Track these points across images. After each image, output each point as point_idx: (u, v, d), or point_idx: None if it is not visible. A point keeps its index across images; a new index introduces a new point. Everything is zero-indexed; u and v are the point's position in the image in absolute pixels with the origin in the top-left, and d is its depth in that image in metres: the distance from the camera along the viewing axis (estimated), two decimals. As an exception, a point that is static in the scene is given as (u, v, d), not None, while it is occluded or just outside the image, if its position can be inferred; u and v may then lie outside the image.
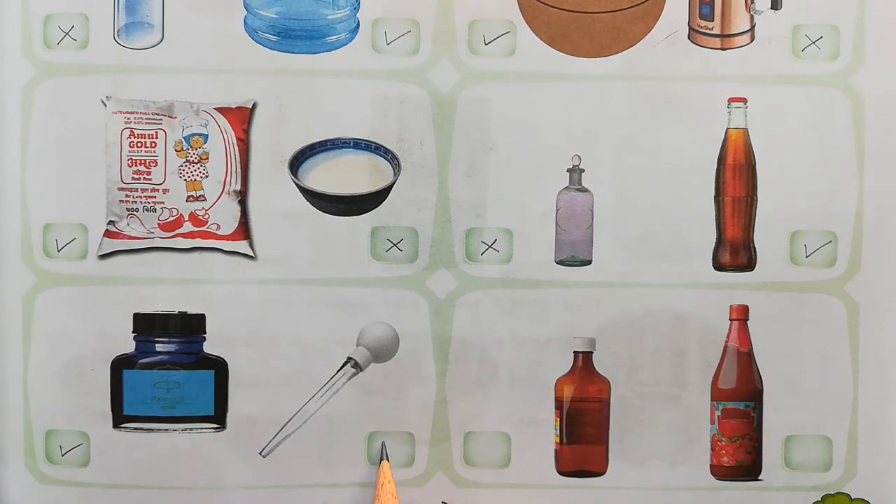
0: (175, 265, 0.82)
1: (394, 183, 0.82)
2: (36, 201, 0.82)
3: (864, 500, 0.83)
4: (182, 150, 0.82)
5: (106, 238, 0.82)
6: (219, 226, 0.82)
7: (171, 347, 0.82)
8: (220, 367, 0.82)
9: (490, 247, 0.83)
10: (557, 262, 0.83)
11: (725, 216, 0.82)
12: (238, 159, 0.82)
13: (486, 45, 0.82)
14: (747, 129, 0.82)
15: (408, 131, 0.82)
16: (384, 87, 0.82)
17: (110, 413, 0.82)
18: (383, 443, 0.82)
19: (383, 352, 0.82)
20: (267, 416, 0.83)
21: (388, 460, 0.81)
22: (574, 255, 0.83)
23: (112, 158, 0.82)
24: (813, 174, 0.82)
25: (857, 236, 0.82)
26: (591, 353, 0.83)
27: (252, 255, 0.82)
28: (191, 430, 0.82)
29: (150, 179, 0.82)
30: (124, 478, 0.83)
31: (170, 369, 0.82)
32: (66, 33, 0.82)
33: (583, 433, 0.83)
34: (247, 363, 0.82)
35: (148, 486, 0.83)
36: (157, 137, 0.82)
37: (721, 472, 0.83)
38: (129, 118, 0.82)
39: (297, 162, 0.82)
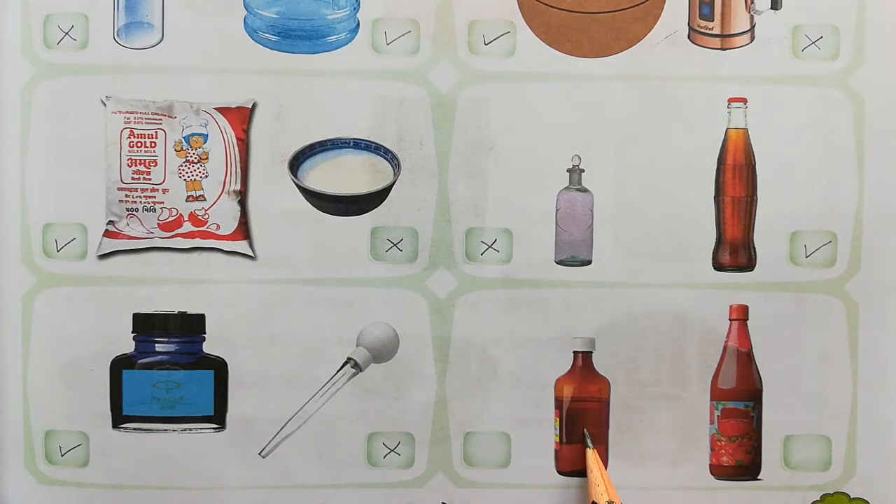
0: (175, 265, 0.82)
1: (394, 183, 0.82)
2: (36, 201, 0.82)
3: (863, 499, 0.83)
4: (182, 150, 0.82)
5: (105, 238, 0.82)
6: (219, 226, 0.82)
7: (170, 347, 0.82)
8: (219, 367, 0.82)
9: (490, 247, 0.83)
10: (557, 262, 0.83)
11: (725, 216, 0.83)
12: (238, 159, 0.82)
13: (485, 45, 0.82)
14: (747, 129, 0.82)
15: (408, 131, 0.82)
16: (384, 87, 0.82)
17: (110, 413, 0.82)
18: (584, 430, 0.82)
19: (383, 352, 0.82)
20: (267, 416, 0.83)
21: (592, 448, 0.81)
22: (574, 255, 0.83)
23: (112, 158, 0.82)
24: (813, 174, 0.82)
25: (857, 236, 0.82)
26: (591, 353, 0.83)
27: (252, 255, 0.82)
28: (190, 430, 0.82)
29: (149, 179, 0.82)
30: (124, 478, 0.83)
31: (169, 369, 0.82)
32: (66, 33, 0.82)
33: (583, 433, 0.83)
34: (247, 363, 0.82)
35: (147, 487, 0.83)
36: (156, 137, 0.82)
37: (720, 472, 0.83)
38: (128, 118, 0.82)
39: (297, 162, 0.82)
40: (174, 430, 0.82)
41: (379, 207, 0.83)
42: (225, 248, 0.82)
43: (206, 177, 0.82)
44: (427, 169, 0.82)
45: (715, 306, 0.83)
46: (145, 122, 0.82)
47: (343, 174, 0.82)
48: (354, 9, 0.82)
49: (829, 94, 0.82)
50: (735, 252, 0.83)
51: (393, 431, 0.83)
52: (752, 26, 0.83)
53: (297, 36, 0.82)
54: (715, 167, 0.83)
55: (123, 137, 0.82)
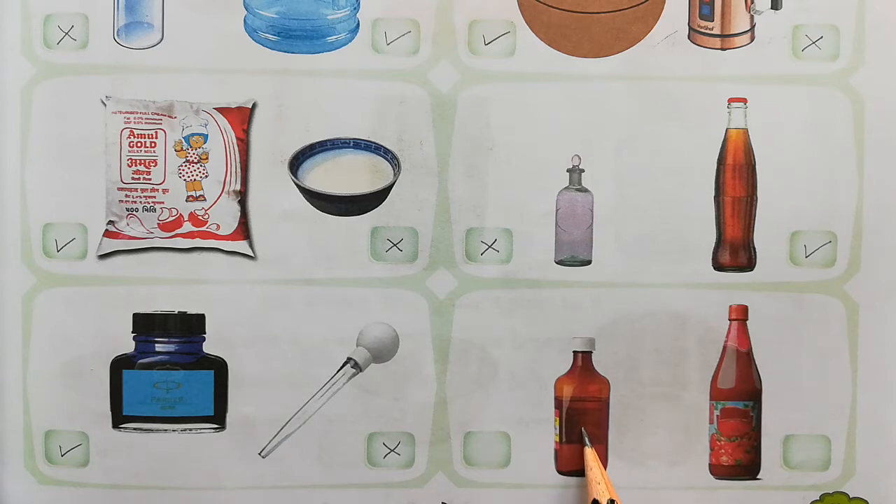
0: (175, 265, 0.82)
1: (394, 183, 0.82)
2: (36, 201, 0.82)
3: (862, 499, 0.83)
4: (182, 149, 0.82)
5: (105, 238, 0.82)
6: (218, 226, 0.82)
7: (170, 347, 0.82)
8: (219, 367, 0.82)
9: (490, 247, 0.83)
10: (557, 262, 0.83)
11: (725, 216, 0.83)
12: (238, 159, 0.82)
13: (486, 45, 0.82)
14: (747, 129, 0.83)
15: (408, 131, 0.82)
16: (384, 87, 0.82)
17: (110, 413, 0.82)
18: (582, 429, 0.83)
19: (383, 352, 0.82)
20: (267, 416, 0.83)
21: (591, 446, 0.81)
22: (574, 255, 0.83)
23: (112, 158, 0.82)
24: (813, 174, 0.83)
25: (857, 236, 0.83)
26: (591, 353, 0.83)
27: (252, 255, 0.82)
28: (190, 430, 0.82)
29: (149, 179, 0.82)
30: (124, 478, 0.83)
31: (169, 369, 0.82)
32: (66, 33, 0.82)
33: (580, 431, 0.83)
34: (247, 363, 0.82)
35: (147, 487, 0.83)
36: (156, 137, 0.82)
37: (720, 472, 0.84)
38: (128, 118, 0.82)
39: (297, 162, 0.82)
40: (174, 430, 0.82)
41: (379, 207, 0.83)
42: (225, 248, 0.82)
43: (206, 177, 0.82)
44: (427, 169, 0.82)
45: (715, 306, 0.83)
46: (145, 122, 0.82)
47: (343, 174, 0.82)
48: (354, 9, 0.82)
49: (829, 94, 0.82)
50: (735, 252, 0.83)
51: (393, 431, 0.83)
52: (752, 26, 0.83)
53: (297, 36, 0.82)
54: (715, 167, 0.83)
55: (123, 137, 0.82)
